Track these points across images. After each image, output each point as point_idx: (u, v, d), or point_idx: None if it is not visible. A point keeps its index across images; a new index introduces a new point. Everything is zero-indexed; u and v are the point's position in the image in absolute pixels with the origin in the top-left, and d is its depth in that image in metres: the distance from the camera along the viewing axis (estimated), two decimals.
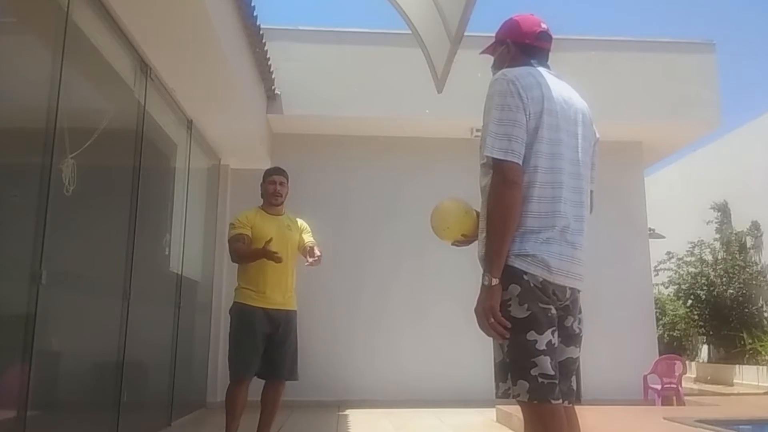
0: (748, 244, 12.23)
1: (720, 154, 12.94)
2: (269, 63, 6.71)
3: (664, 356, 7.53)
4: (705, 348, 12.67)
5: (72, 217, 3.64)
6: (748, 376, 10.39)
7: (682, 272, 12.44)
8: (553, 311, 1.96)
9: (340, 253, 7.30)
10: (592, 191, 2.19)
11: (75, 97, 3.63)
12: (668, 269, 12.53)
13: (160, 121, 5.41)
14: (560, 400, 1.91)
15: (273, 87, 7.15)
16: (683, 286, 12.27)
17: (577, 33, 7.71)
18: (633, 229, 8.11)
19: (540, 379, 1.86)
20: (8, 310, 3.08)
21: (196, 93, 5.55)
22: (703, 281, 11.92)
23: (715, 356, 12.14)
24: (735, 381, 10.63)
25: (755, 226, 12.10)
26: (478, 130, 2.19)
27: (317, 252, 4.06)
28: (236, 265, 4.16)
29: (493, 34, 2.31)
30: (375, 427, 5.85)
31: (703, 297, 11.80)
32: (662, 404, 6.89)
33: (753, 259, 12.04)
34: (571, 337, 2.06)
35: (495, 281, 1.90)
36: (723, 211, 12.76)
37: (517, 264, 1.93)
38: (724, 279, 11.68)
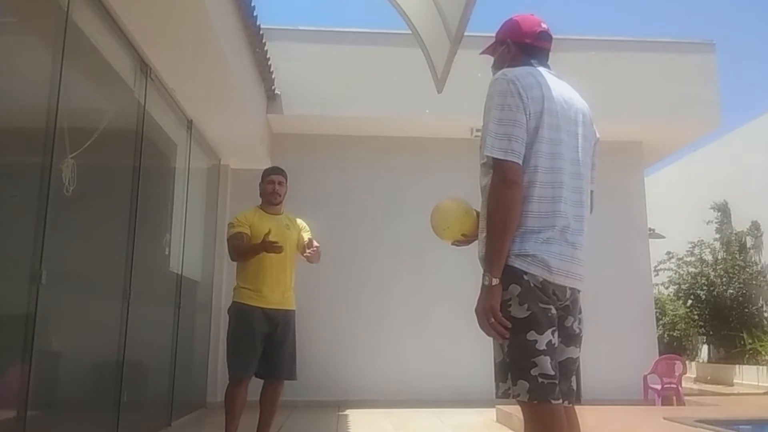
0: (748, 244, 12.23)
1: (720, 154, 12.94)
2: (269, 63, 6.71)
3: (664, 356, 7.53)
4: (705, 348, 12.67)
5: (72, 217, 3.64)
6: (748, 376, 10.39)
7: (682, 272, 12.44)
8: (553, 311, 1.96)
9: (340, 253, 7.30)
10: (592, 191, 2.19)
11: (75, 97, 3.63)
12: (668, 269, 12.54)
13: (160, 121, 5.41)
14: (560, 400, 1.91)
15: (273, 87, 7.15)
16: (683, 286, 12.27)
17: (577, 33, 7.71)
18: (633, 229, 8.11)
19: (540, 379, 1.86)
20: (8, 310, 3.08)
21: (196, 93, 5.55)
22: (703, 281, 11.93)
23: (715, 356, 12.14)
24: (735, 381, 10.63)
25: (755, 226, 12.11)
26: (478, 130, 2.19)
27: (316, 243, 4.07)
28: (236, 265, 4.16)
29: (493, 34, 2.31)
30: (375, 427, 5.85)
31: (703, 297, 11.80)
32: (662, 404, 6.89)
33: (753, 259, 12.04)
34: (571, 337, 2.06)
35: (495, 281, 1.90)
36: (723, 211, 12.76)
37: (518, 264, 1.93)
38: (724, 279, 11.68)
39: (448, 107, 6.72)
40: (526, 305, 1.90)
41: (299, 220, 4.33)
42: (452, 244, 2.26)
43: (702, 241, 12.46)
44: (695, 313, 11.98)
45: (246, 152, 7.26)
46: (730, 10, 38.55)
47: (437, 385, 7.22)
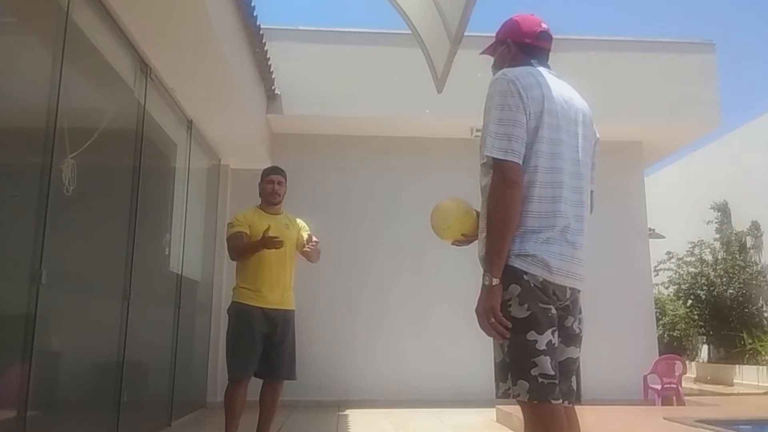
0: (748, 244, 12.23)
1: (720, 154, 12.94)
2: (269, 63, 6.71)
3: (664, 356, 7.53)
4: (705, 348, 12.67)
5: (72, 217, 3.64)
6: (748, 376, 10.39)
7: (682, 272, 12.44)
8: (554, 311, 1.96)
9: (340, 253, 7.30)
10: (592, 191, 2.19)
11: (75, 97, 3.63)
12: (668, 269, 12.54)
13: (160, 121, 5.41)
14: (560, 400, 1.91)
15: (273, 87, 7.15)
16: (683, 286, 12.27)
17: (577, 33, 7.71)
18: (633, 229, 8.11)
19: (540, 379, 1.86)
20: (8, 310, 3.08)
21: (196, 93, 5.55)
22: (703, 281, 11.93)
23: (715, 356, 12.14)
24: (735, 381, 10.63)
25: (755, 226, 12.11)
26: (478, 130, 2.19)
27: (315, 239, 4.07)
28: (235, 264, 4.15)
29: (493, 34, 2.31)
30: (375, 427, 5.85)
31: (703, 297, 11.80)
32: (662, 404, 6.89)
33: (753, 259, 12.04)
34: (571, 337, 2.06)
35: (495, 281, 1.90)
36: (723, 211, 12.76)
37: (518, 264, 1.93)
38: (724, 279, 11.68)
39: (448, 107, 6.72)
40: (526, 305, 1.90)
41: (299, 220, 4.33)
42: (452, 244, 2.26)
43: (702, 241, 12.46)
44: (695, 313, 11.98)
45: (246, 152, 7.26)
46: (730, 10, 38.58)
47: (437, 385, 7.22)
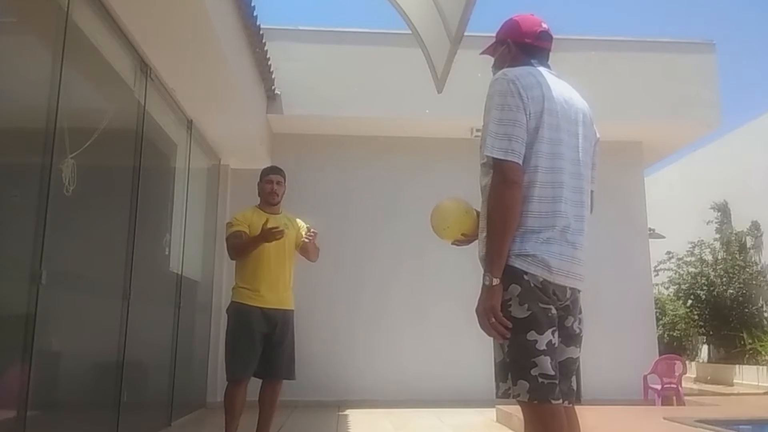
0: (748, 244, 12.23)
1: (720, 154, 12.94)
2: (269, 63, 6.71)
3: (664, 356, 7.53)
4: (705, 348, 12.67)
5: (72, 217, 3.64)
6: (748, 376, 10.39)
7: (682, 272, 12.44)
8: (554, 311, 1.96)
9: (340, 253, 7.30)
10: (592, 191, 2.19)
11: (75, 97, 3.63)
12: (668, 269, 12.54)
13: (160, 121, 5.41)
14: (560, 400, 1.91)
15: (273, 87, 7.15)
16: (683, 286, 12.27)
17: (577, 33, 7.71)
18: (633, 229, 8.11)
19: (540, 379, 1.86)
20: (8, 310, 3.08)
21: (196, 93, 5.55)
22: (703, 281, 11.92)
23: (715, 356, 12.14)
24: (735, 381, 10.63)
25: (755, 226, 12.11)
26: (478, 130, 2.19)
27: (313, 230, 4.08)
28: (234, 264, 4.15)
29: (493, 34, 2.31)
30: (375, 427, 5.85)
31: (703, 297, 11.80)
32: (662, 404, 6.89)
33: (753, 259, 12.04)
34: (571, 337, 2.06)
35: (496, 281, 1.90)
36: (723, 211, 12.76)
37: (518, 264, 1.93)
38: (724, 279, 11.68)
39: (448, 107, 6.72)
40: (526, 305, 1.90)
41: (299, 220, 4.33)
42: (452, 243, 2.26)
43: (702, 241, 12.46)
44: (695, 313, 11.98)
45: (246, 152, 7.26)
46: (730, 10, 38.58)
47: (437, 385, 7.22)
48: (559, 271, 1.95)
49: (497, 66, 2.25)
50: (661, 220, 11.20)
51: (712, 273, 11.91)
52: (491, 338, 1.96)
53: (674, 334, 12.14)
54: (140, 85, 4.80)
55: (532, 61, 2.15)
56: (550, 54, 2.23)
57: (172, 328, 5.66)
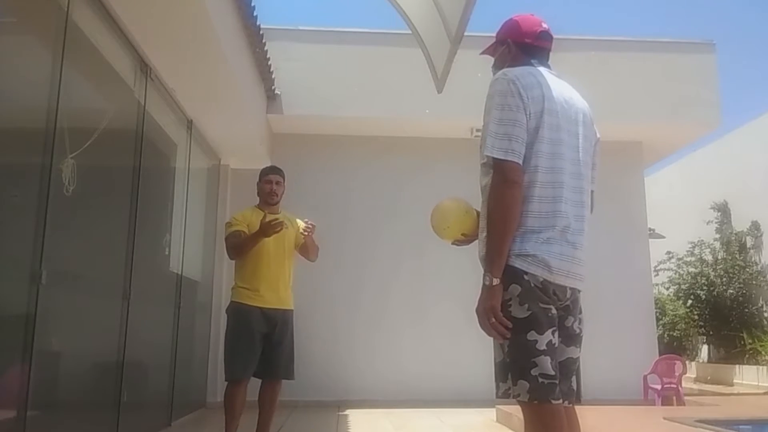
0: (748, 244, 12.23)
1: (720, 154, 12.94)
2: (269, 63, 6.71)
3: (664, 356, 7.53)
4: (705, 348, 12.67)
5: (72, 217, 3.64)
6: (748, 376, 10.39)
7: (682, 272, 12.44)
8: (554, 311, 1.96)
9: (340, 253, 7.30)
10: (592, 191, 2.19)
11: (75, 97, 3.63)
12: (668, 269, 12.54)
13: (160, 121, 5.41)
14: (560, 400, 1.91)
15: (273, 87, 7.15)
16: (683, 286, 12.27)
17: (577, 33, 7.71)
18: (633, 229, 8.11)
19: (540, 379, 1.86)
20: (8, 310, 3.08)
21: (196, 93, 5.55)
22: (703, 281, 11.92)
23: (715, 356, 12.14)
24: (735, 381, 10.63)
25: (755, 226, 12.11)
26: (478, 130, 2.19)
27: (311, 223, 4.09)
28: (234, 264, 4.15)
29: (493, 34, 2.31)
30: (375, 427, 5.85)
31: (703, 297, 11.80)
32: (662, 404, 6.89)
33: (753, 259, 12.04)
34: (571, 337, 2.06)
35: (496, 281, 1.90)
36: (723, 211, 12.76)
37: (518, 264, 1.93)
38: (724, 279, 11.68)
39: (448, 107, 6.72)
40: (526, 305, 1.90)
41: (298, 220, 4.33)
42: (452, 243, 2.26)
43: (702, 241, 12.46)
44: (695, 313, 11.98)
45: (246, 152, 7.26)
46: (730, 10, 38.59)
47: (437, 385, 7.22)
48: (559, 271, 1.94)
49: (497, 66, 2.25)
50: (661, 220, 11.20)
51: (712, 273, 11.91)
52: (491, 338, 1.96)
53: (674, 334, 12.13)
54: (140, 85, 4.80)
55: (533, 61, 2.15)
56: (551, 54, 2.23)
57: (172, 328, 5.66)
